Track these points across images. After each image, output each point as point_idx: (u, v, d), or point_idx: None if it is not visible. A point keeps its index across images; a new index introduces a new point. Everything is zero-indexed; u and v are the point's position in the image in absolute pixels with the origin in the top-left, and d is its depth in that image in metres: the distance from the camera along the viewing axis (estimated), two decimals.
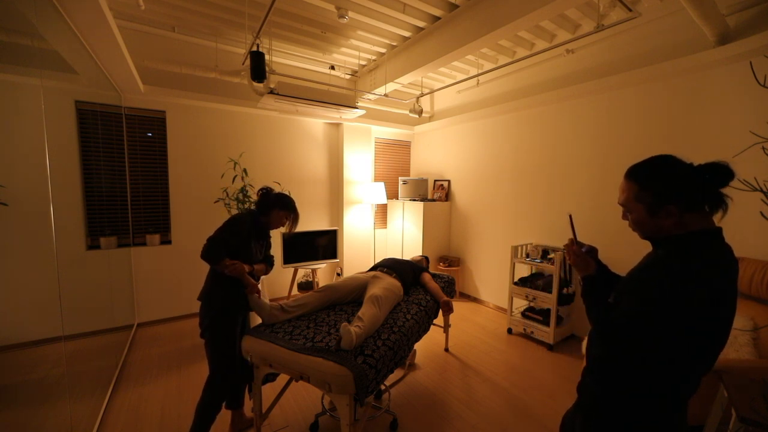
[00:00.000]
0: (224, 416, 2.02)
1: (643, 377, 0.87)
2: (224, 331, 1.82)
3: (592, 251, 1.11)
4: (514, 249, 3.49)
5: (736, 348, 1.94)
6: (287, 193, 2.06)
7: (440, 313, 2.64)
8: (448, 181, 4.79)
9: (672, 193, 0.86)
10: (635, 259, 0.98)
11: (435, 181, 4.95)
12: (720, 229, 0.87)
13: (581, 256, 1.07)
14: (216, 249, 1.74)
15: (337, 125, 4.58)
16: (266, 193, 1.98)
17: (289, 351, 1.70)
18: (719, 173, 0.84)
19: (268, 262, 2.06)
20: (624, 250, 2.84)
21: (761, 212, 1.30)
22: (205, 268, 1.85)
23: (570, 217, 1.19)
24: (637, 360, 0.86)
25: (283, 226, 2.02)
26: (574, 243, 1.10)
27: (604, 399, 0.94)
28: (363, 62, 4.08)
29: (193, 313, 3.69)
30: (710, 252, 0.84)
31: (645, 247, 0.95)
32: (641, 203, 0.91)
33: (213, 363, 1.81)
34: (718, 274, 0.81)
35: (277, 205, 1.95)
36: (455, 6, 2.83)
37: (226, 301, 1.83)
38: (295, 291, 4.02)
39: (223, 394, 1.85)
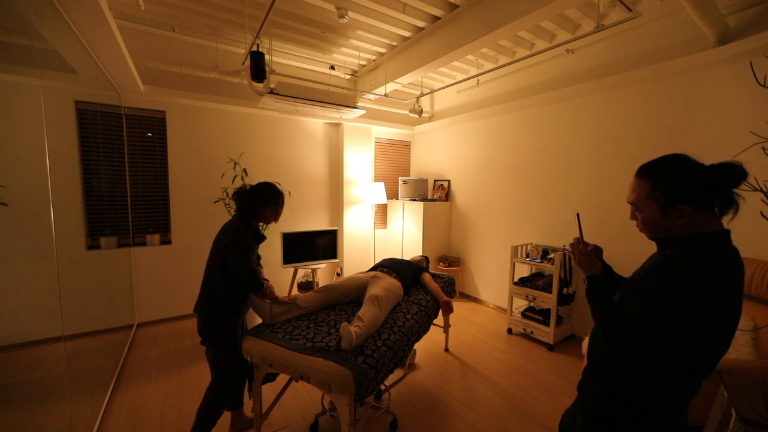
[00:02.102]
0: (224, 416, 2.02)
1: (646, 378, 0.87)
2: (228, 337, 1.80)
3: (597, 251, 1.11)
4: (514, 249, 3.49)
5: (736, 348, 1.93)
6: (280, 187, 1.99)
7: (440, 313, 2.64)
8: (448, 181, 4.78)
9: (687, 193, 0.85)
10: (636, 259, 0.98)
11: (435, 181, 4.95)
12: (728, 232, 0.87)
13: (587, 255, 1.06)
14: (256, 277, 1.80)
15: (337, 125, 4.58)
16: (244, 195, 1.84)
17: (289, 351, 1.70)
18: (733, 173, 0.83)
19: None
20: (625, 250, 2.84)
21: (761, 212, 1.30)
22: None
23: (577, 215, 1.18)
24: (642, 361, 0.86)
25: (275, 220, 1.95)
26: (580, 242, 1.09)
27: (606, 398, 0.94)
28: (363, 62, 4.08)
29: (193, 313, 3.69)
30: (719, 254, 0.83)
31: (646, 248, 0.95)
32: (654, 202, 0.89)
33: (217, 369, 1.80)
34: (726, 277, 0.81)
35: (261, 204, 1.85)
36: (455, 6, 2.83)
37: (230, 310, 1.81)
38: (295, 291, 4.02)
39: (226, 398, 1.84)
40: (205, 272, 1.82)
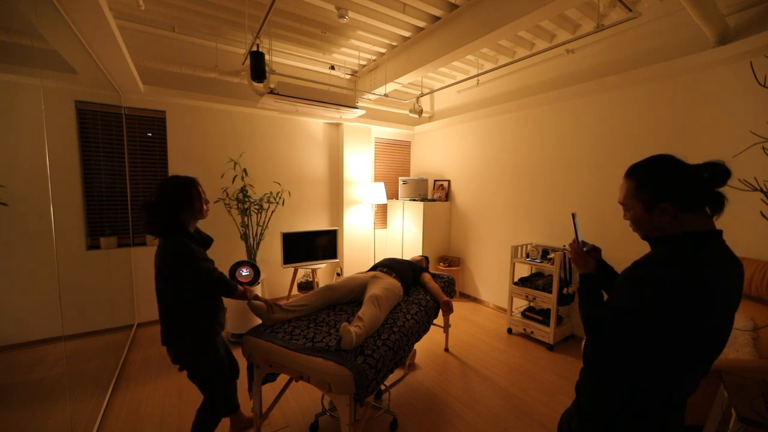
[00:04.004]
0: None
1: (633, 375, 0.88)
2: (208, 360, 1.65)
3: (595, 251, 1.14)
4: (514, 249, 3.49)
5: (736, 348, 1.93)
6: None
7: (440, 313, 2.64)
8: (448, 181, 4.79)
9: (667, 191, 0.87)
10: (636, 259, 0.98)
11: (435, 181, 4.95)
12: (718, 232, 0.87)
13: (581, 254, 1.10)
14: (224, 281, 1.63)
15: (337, 125, 4.58)
16: (154, 210, 1.54)
17: (289, 351, 1.70)
18: (716, 172, 0.84)
19: None
20: (625, 250, 2.84)
21: (761, 212, 1.30)
22: None
23: (573, 215, 1.21)
24: (625, 357, 0.88)
25: (207, 204, 1.71)
26: (575, 241, 1.13)
27: (600, 398, 0.95)
28: (363, 62, 4.08)
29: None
30: (703, 253, 0.83)
31: (646, 248, 0.95)
32: (638, 200, 0.92)
33: (206, 391, 1.70)
34: (707, 276, 0.81)
35: (179, 208, 1.58)
36: (455, 6, 2.83)
37: (199, 333, 1.63)
38: (295, 291, 4.02)
39: (221, 415, 1.76)
40: (159, 302, 1.60)
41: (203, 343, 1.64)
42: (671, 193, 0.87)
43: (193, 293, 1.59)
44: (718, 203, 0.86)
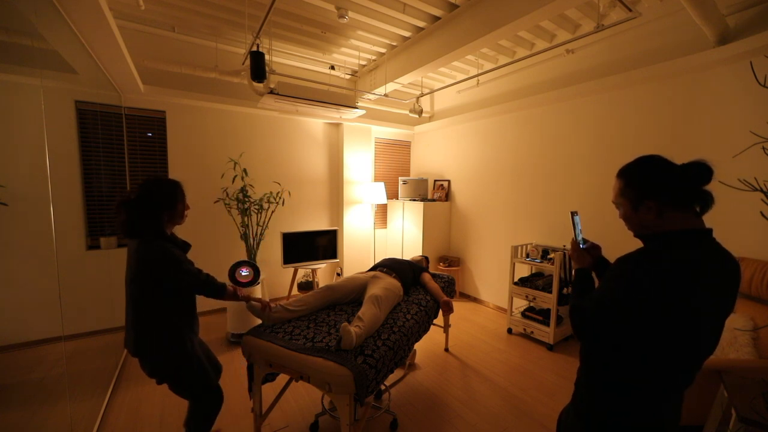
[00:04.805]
0: (224, 414, 2.02)
1: (623, 372, 0.89)
2: (190, 366, 1.57)
3: (595, 248, 1.17)
4: (514, 249, 3.49)
5: (736, 348, 1.93)
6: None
7: (440, 313, 2.64)
8: (448, 181, 4.79)
9: (650, 189, 0.90)
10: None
11: (435, 181, 4.95)
12: (705, 231, 0.88)
13: (578, 250, 1.15)
14: (210, 281, 1.57)
15: (337, 125, 4.58)
16: (133, 209, 1.46)
17: (289, 351, 1.69)
18: (699, 171, 0.86)
19: None
20: (625, 249, 2.84)
21: (761, 212, 1.30)
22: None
23: (572, 214, 1.24)
24: (614, 353, 0.90)
25: (187, 209, 1.63)
26: (574, 238, 1.18)
27: (591, 393, 0.97)
28: (363, 62, 4.08)
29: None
30: (691, 252, 0.84)
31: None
32: (626, 199, 0.96)
33: (193, 398, 1.66)
34: (686, 272, 0.81)
35: (158, 210, 1.50)
36: (455, 6, 2.83)
37: (176, 340, 1.54)
38: (295, 291, 4.02)
39: (216, 408, 1.72)
40: (133, 310, 1.50)
41: (184, 350, 1.56)
42: (655, 191, 0.90)
43: (173, 300, 1.53)
44: (705, 202, 0.88)
